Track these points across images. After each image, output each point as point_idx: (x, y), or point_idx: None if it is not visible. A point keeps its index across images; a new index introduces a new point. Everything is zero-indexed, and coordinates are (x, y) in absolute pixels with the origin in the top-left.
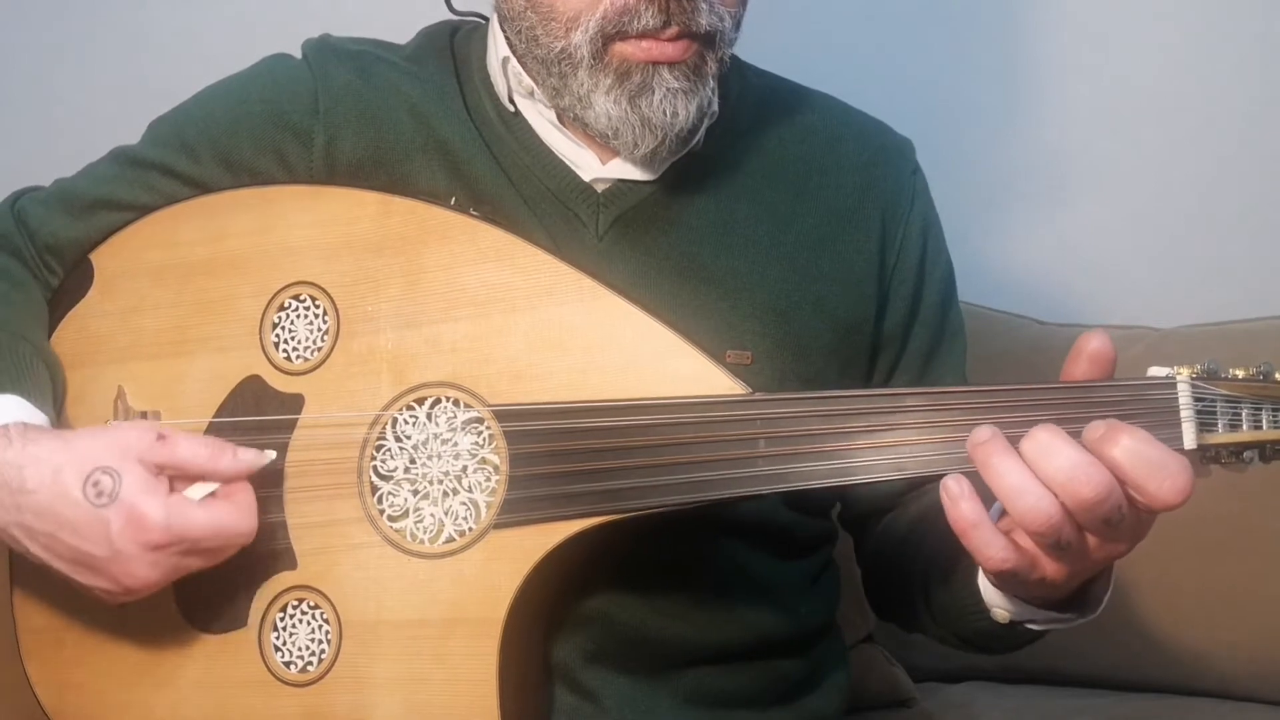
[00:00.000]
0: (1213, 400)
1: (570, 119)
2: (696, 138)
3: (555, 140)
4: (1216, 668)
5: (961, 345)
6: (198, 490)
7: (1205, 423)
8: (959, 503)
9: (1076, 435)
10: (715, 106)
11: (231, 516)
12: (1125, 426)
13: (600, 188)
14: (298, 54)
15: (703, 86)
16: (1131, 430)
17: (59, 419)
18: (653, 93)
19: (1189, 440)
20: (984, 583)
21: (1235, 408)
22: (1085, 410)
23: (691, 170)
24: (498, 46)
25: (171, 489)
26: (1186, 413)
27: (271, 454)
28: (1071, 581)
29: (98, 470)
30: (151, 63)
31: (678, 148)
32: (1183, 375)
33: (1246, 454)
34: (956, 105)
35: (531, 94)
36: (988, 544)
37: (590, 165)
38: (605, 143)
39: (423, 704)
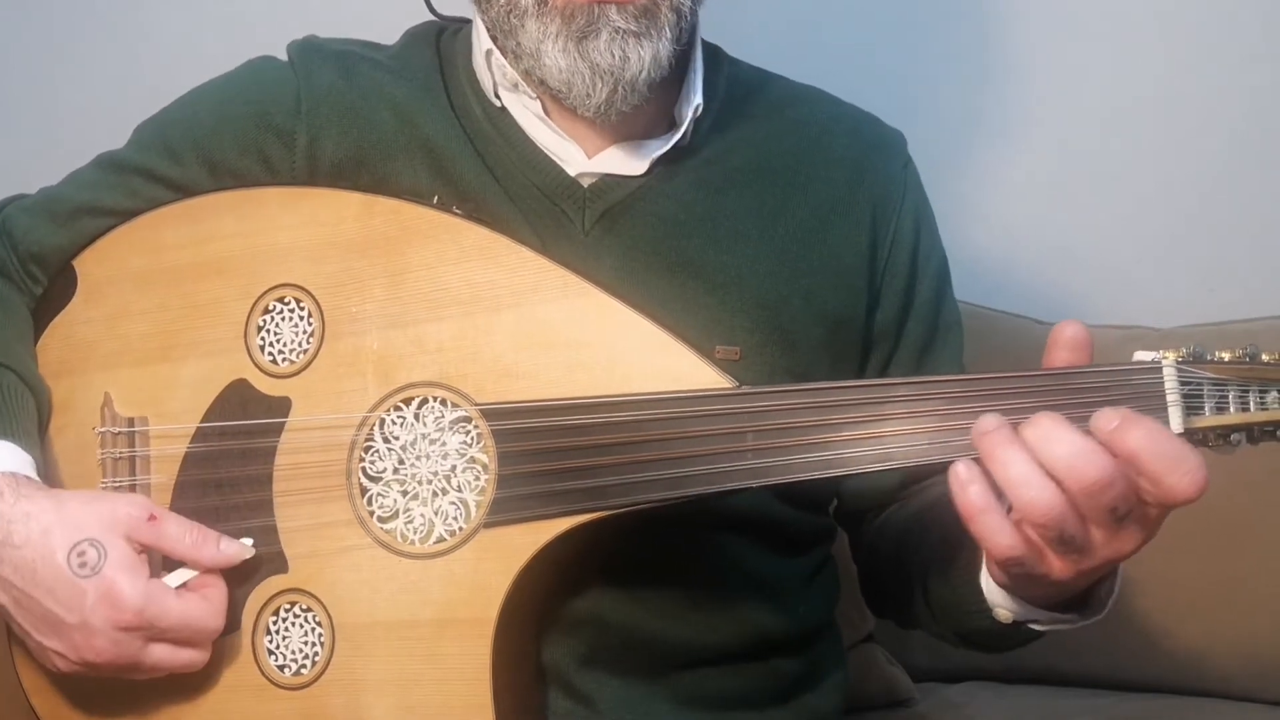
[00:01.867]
0: (1199, 383)
1: (537, 84)
2: (683, 131)
3: (541, 135)
4: (1216, 668)
5: (957, 340)
6: (176, 578)
7: (1192, 406)
8: (968, 487)
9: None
10: (700, 98)
11: (202, 612)
12: (1138, 417)
13: (586, 182)
14: (284, 55)
15: (656, 33)
16: (1146, 421)
17: (43, 441)
18: (599, 34)
19: (1175, 424)
20: (986, 581)
21: (1222, 390)
22: (1072, 396)
23: (679, 164)
24: (481, 41)
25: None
26: (1173, 396)
27: (250, 546)
28: (1079, 581)
29: (85, 541)
30: (151, 63)
31: (635, 100)
32: (1168, 359)
33: (1234, 436)
34: (956, 105)
35: (516, 86)
36: (996, 531)
37: (576, 160)
38: (562, 100)
39: (417, 705)
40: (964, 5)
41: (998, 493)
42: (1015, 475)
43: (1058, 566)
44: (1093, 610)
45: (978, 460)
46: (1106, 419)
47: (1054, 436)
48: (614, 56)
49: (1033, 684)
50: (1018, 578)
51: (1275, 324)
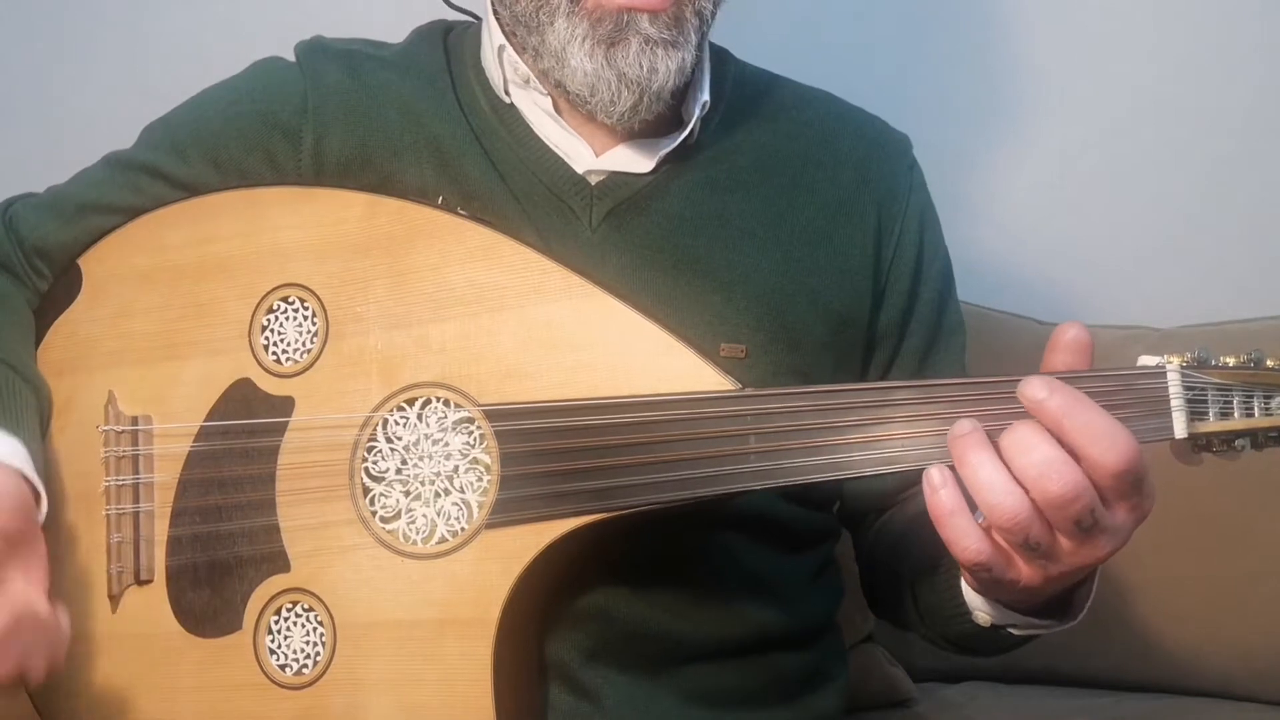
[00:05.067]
0: (1203, 388)
1: (553, 85)
2: (691, 128)
3: (550, 131)
4: (1216, 667)
5: (960, 342)
6: None
7: (1196, 411)
8: (938, 491)
9: None
10: (707, 95)
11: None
12: (1065, 387)
13: (594, 180)
14: (292, 57)
15: (684, 40)
16: (1072, 392)
17: (45, 439)
18: (628, 44)
19: (1180, 429)
20: (965, 586)
21: (1226, 395)
22: None
23: (686, 162)
24: (492, 36)
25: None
26: (1177, 401)
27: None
28: (1049, 586)
29: None
30: (152, 65)
31: (659, 108)
32: (1173, 364)
33: (1238, 442)
34: (957, 105)
35: (528, 82)
36: (964, 534)
37: (584, 157)
38: (583, 105)
39: (417, 705)
40: (966, 8)
41: (971, 499)
42: (983, 479)
43: (1026, 573)
44: (1070, 615)
45: (952, 466)
46: (1034, 388)
47: (1028, 445)
48: (642, 68)
49: (1033, 684)
50: (986, 582)
51: (1275, 324)
